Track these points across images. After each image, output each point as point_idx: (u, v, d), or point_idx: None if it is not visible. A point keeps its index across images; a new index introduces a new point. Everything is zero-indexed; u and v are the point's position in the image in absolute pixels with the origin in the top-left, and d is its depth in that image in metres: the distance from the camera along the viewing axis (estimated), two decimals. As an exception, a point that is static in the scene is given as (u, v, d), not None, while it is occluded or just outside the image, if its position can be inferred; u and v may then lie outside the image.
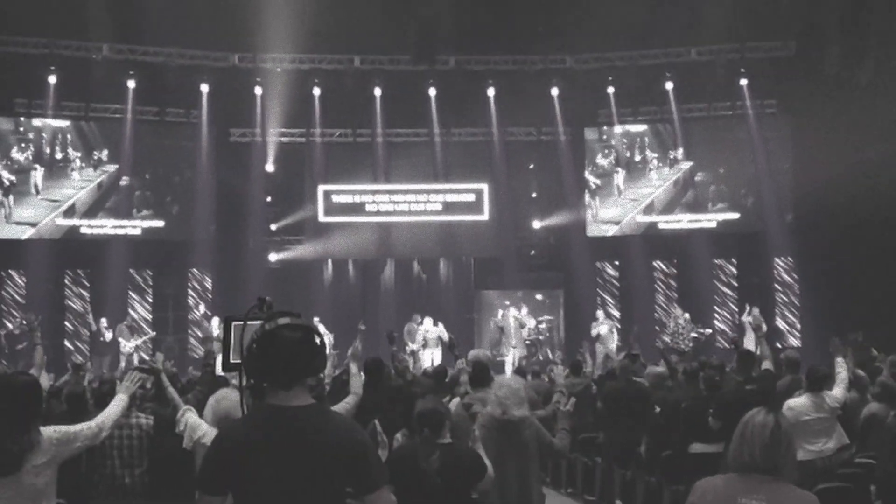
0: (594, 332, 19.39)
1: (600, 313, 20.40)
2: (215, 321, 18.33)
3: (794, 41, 20.63)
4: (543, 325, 21.95)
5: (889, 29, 18.15)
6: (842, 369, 8.26)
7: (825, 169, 19.74)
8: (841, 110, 19.31)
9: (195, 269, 21.80)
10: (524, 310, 21.05)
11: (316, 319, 18.42)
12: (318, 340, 3.38)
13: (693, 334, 19.23)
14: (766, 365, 8.77)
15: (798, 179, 20.86)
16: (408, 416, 5.80)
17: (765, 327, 18.15)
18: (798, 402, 7.82)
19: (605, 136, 22.11)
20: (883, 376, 8.94)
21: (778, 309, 21.35)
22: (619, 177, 21.90)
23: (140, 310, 21.25)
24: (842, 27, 19.35)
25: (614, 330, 19.78)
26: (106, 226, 20.75)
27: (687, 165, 21.70)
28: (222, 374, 7.42)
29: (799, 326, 21.35)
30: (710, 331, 20.04)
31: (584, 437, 11.01)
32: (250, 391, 3.45)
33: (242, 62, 21.26)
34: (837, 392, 8.01)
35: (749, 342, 17.88)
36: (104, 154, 20.69)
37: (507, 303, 22.03)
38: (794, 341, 20.90)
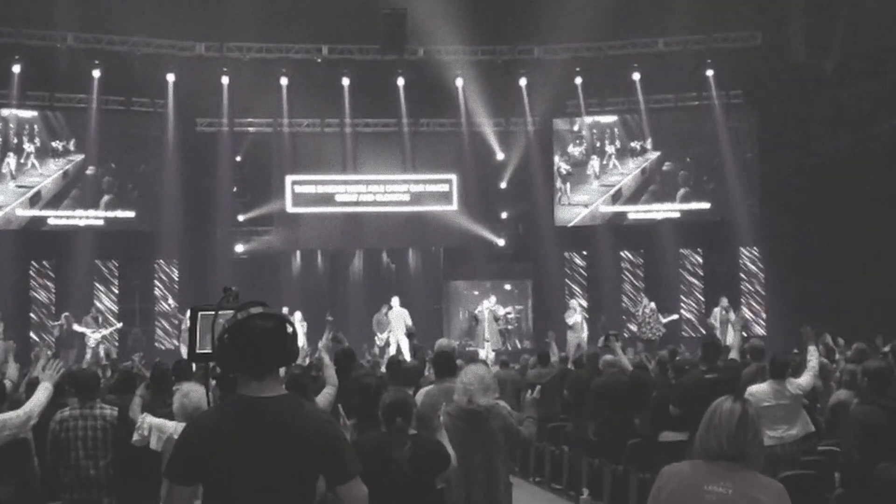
0: (570, 322, 19.46)
1: (574, 303, 20.49)
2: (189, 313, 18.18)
3: (760, 32, 20.78)
4: (512, 315, 22.00)
5: (854, 18, 18.33)
6: (812, 357, 8.34)
7: (791, 158, 19.97)
8: (807, 100, 19.51)
9: (162, 260, 21.63)
10: (493, 299, 21.10)
11: (285, 309, 18.35)
12: (290, 330, 3.36)
13: (663, 321, 19.34)
14: (733, 354, 8.85)
15: (764, 169, 21.05)
16: (362, 407, 5.77)
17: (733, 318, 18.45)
18: (759, 389, 7.88)
19: (576, 127, 22.13)
20: (848, 365, 9.05)
21: (743, 298, 21.53)
22: (592, 164, 21.94)
23: (106, 301, 21.04)
24: (807, 17, 19.52)
25: (585, 320, 19.85)
26: (72, 216, 20.53)
27: (654, 155, 21.80)
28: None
29: (764, 315, 21.56)
30: (676, 316, 20.18)
31: (552, 427, 11.07)
32: (218, 382, 3.43)
33: (209, 51, 21.07)
34: (804, 379, 8.08)
35: (722, 334, 18.11)
36: (70, 144, 20.45)
37: (476, 293, 22.07)
38: (760, 330, 21.12)
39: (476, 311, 20.30)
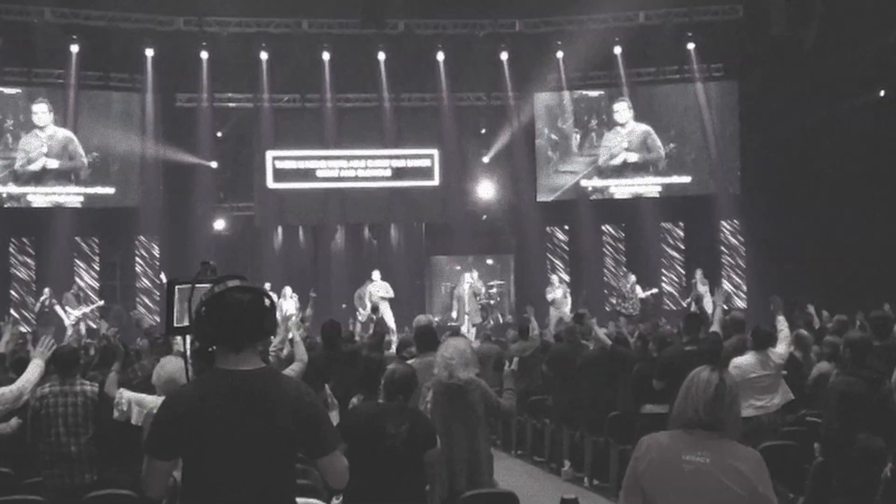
0: (549, 297, 19.52)
1: (555, 278, 20.52)
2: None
3: (741, 4, 20.77)
4: (494, 290, 22.04)
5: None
6: (783, 327, 8.45)
7: (772, 131, 20.03)
8: (788, 73, 19.54)
9: (142, 237, 21.54)
10: (475, 274, 21.14)
11: (267, 285, 18.33)
12: (267, 303, 3.35)
13: (641, 296, 19.44)
14: (715, 328, 8.90)
15: (745, 142, 21.10)
16: (363, 380, 5.80)
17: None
18: (744, 361, 7.99)
19: (563, 101, 22.03)
20: (829, 336, 9.14)
21: (724, 271, 21.64)
22: (574, 138, 21.91)
23: (87, 278, 20.94)
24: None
25: (568, 294, 19.91)
26: (51, 193, 20.38)
27: (636, 129, 21.77)
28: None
29: (745, 288, 21.68)
30: (656, 290, 20.27)
31: (533, 400, 11.13)
32: (196, 355, 3.42)
33: (188, 25, 20.84)
34: (780, 349, 8.21)
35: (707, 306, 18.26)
36: (48, 120, 20.23)
37: (458, 268, 22.08)
38: (740, 303, 21.25)
39: (456, 289, 20.35)
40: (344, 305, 20.20)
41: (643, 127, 21.73)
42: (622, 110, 21.72)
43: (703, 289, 19.15)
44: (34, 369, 5.81)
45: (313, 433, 3.33)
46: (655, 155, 21.72)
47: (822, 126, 18.77)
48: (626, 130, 21.76)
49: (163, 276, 20.14)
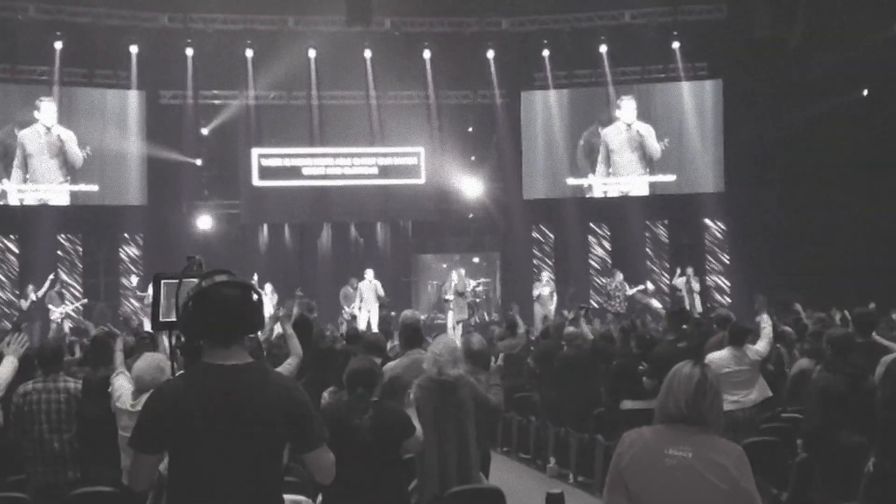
0: (535, 293, 19.57)
1: (544, 275, 20.50)
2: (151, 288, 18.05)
3: (726, 4, 20.87)
4: (480, 288, 22.06)
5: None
6: (766, 325, 8.49)
7: (756, 131, 20.13)
8: (772, 72, 19.64)
9: (126, 234, 21.46)
10: (462, 272, 21.15)
11: (255, 277, 18.29)
12: (255, 297, 3.35)
13: (629, 293, 19.52)
14: (762, 345, 8.74)
15: (729, 141, 21.17)
16: (338, 375, 5.82)
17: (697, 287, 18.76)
18: (719, 356, 8.02)
19: (549, 99, 22.03)
20: (809, 333, 9.19)
21: (708, 269, 21.73)
22: (562, 137, 21.91)
23: (70, 276, 20.84)
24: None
25: (554, 293, 19.94)
26: (35, 190, 20.27)
27: (621, 127, 21.81)
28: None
29: (728, 286, 21.76)
30: (642, 287, 20.36)
31: (519, 396, 11.14)
32: (181, 351, 3.42)
33: (173, 22, 20.81)
34: (760, 345, 8.25)
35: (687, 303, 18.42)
36: (35, 114, 20.13)
37: (445, 266, 22.08)
38: (724, 300, 21.33)
39: (443, 286, 20.38)
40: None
41: (644, 126, 21.71)
42: (629, 109, 21.66)
43: (688, 285, 19.31)
44: (7, 366, 5.79)
45: (300, 428, 3.33)
46: (651, 154, 21.68)
47: (806, 125, 18.88)
48: (625, 128, 21.73)
49: (133, 280, 20.08)
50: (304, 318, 8.64)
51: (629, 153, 21.71)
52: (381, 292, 18.77)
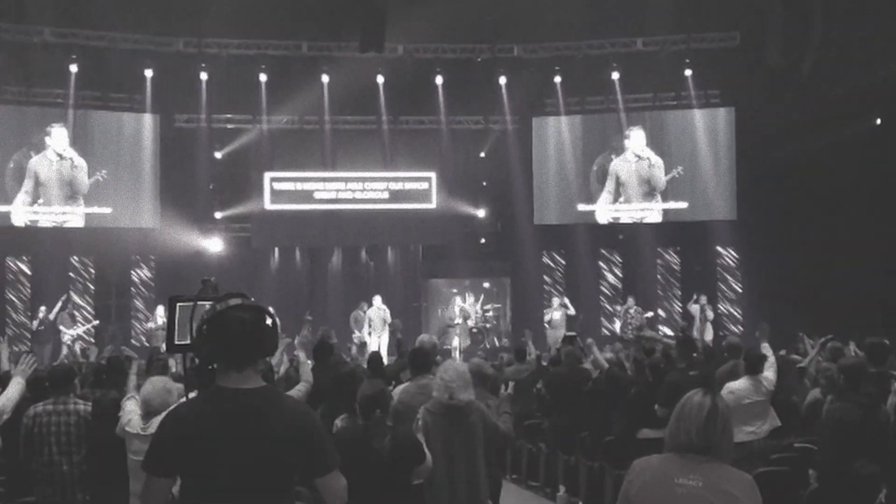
0: (546, 318, 19.54)
1: (556, 300, 20.42)
2: (160, 310, 18.10)
3: (738, 32, 20.89)
4: (490, 313, 22.00)
5: (830, 19, 18.47)
6: (769, 353, 8.45)
7: (768, 159, 20.10)
8: (784, 100, 19.63)
9: (138, 256, 21.53)
10: (470, 299, 21.17)
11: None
12: (269, 321, 3.35)
13: (639, 322, 19.45)
14: (770, 373, 8.70)
15: (741, 169, 21.15)
16: (351, 401, 5.80)
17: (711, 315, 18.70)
18: (739, 386, 7.97)
19: (560, 125, 22.07)
20: (823, 363, 9.12)
21: (720, 297, 21.65)
22: (573, 163, 21.93)
23: (82, 298, 20.90)
24: (784, 18, 19.64)
25: (564, 316, 19.89)
26: (48, 212, 20.37)
27: (632, 155, 21.82)
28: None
29: (740, 314, 21.67)
30: (651, 314, 20.29)
31: (529, 424, 11.09)
32: (195, 373, 3.42)
33: (187, 47, 20.94)
34: (770, 375, 8.21)
35: (699, 331, 18.35)
36: (47, 140, 20.26)
37: (455, 290, 22.05)
38: (735, 328, 21.24)
39: (447, 311, 20.40)
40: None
41: (654, 157, 21.72)
42: (638, 139, 21.68)
43: (701, 314, 19.28)
44: (14, 387, 5.80)
45: (312, 452, 3.33)
46: (656, 185, 21.67)
47: (819, 154, 18.83)
48: (623, 156, 21.78)
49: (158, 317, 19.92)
50: (325, 342, 8.66)
51: (637, 185, 21.70)
52: (389, 318, 18.78)
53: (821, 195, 18.85)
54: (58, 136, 20.26)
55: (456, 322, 20.20)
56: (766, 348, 8.58)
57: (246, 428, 3.20)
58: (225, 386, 3.27)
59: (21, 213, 20.10)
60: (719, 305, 21.22)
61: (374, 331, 18.82)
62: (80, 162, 20.38)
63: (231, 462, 3.18)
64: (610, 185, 21.77)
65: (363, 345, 18.78)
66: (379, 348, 17.69)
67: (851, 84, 17.93)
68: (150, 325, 18.81)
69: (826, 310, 17.04)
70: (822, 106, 18.54)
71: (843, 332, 11.68)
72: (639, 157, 21.67)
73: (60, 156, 20.24)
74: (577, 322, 20.29)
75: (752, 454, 7.50)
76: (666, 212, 21.71)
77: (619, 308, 20.29)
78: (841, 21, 18.16)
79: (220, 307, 3.30)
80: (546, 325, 19.44)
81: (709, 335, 19.07)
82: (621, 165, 21.75)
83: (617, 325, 20.15)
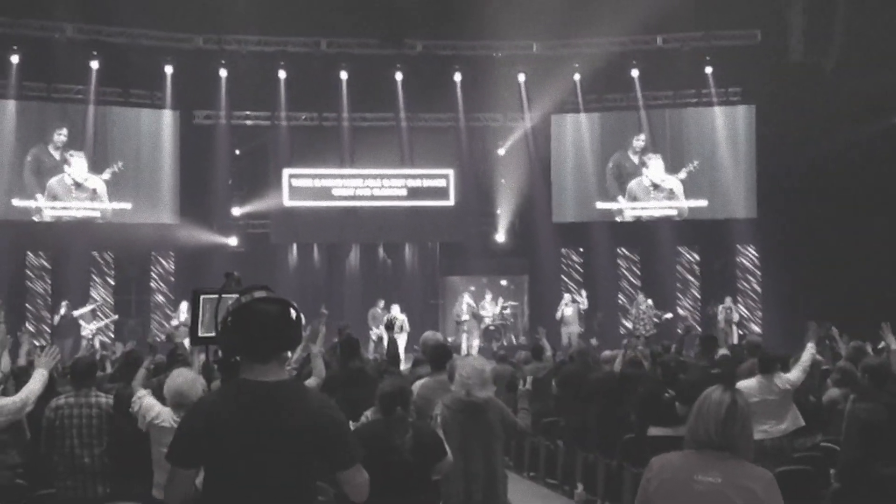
0: (558, 315, 19.47)
1: (567, 296, 20.39)
2: (183, 305, 18.16)
3: (759, 29, 20.79)
4: (508, 311, 22.00)
5: (852, 17, 18.35)
6: (807, 354, 8.35)
7: (789, 156, 19.97)
8: (805, 98, 19.50)
9: (157, 252, 21.64)
10: (488, 297, 21.14)
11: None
12: (293, 315, 3.36)
13: (655, 319, 19.41)
14: (723, 351, 8.84)
15: (762, 167, 21.05)
16: (372, 396, 5.80)
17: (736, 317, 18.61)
18: (746, 384, 7.91)
19: (579, 122, 22.04)
20: (842, 362, 9.08)
21: (740, 296, 21.54)
22: (592, 160, 21.90)
23: (102, 292, 21.03)
24: (806, 15, 19.52)
25: (577, 312, 19.84)
26: (69, 207, 20.51)
27: (652, 152, 21.76)
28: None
29: (760, 313, 21.56)
30: (670, 314, 20.22)
31: (546, 421, 11.07)
32: (219, 366, 3.44)
33: (207, 44, 21.06)
34: (793, 374, 8.09)
35: (724, 332, 18.24)
36: (63, 135, 20.38)
37: (473, 288, 22.02)
38: (755, 328, 21.13)
39: (454, 308, 20.38)
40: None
41: (674, 183, 21.67)
42: (657, 168, 21.67)
43: (726, 314, 19.22)
44: (38, 379, 5.84)
45: (335, 446, 3.34)
46: (670, 178, 21.63)
47: (840, 152, 18.71)
48: (642, 153, 21.74)
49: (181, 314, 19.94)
50: (350, 337, 8.70)
51: (643, 177, 21.76)
52: (408, 328, 18.68)
53: (842, 193, 18.73)
54: (77, 166, 20.42)
55: (464, 319, 20.14)
56: (808, 348, 8.47)
57: (269, 421, 3.21)
58: (249, 378, 3.28)
59: (42, 208, 20.23)
60: (739, 304, 21.10)
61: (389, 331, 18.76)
62: (100, 184, 20.52)
63: (254, 454, 3.19)
64: (621, 181, 21.79)
65: (380, 341, 18.79)
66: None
67: (873, 82, 17.80)
68: (174, 322, 18.84)
69: (848, 309, 16.92)
70: (843, 104, 18.41)
71: (866, 332, 11.61)
72: (656, 185, 21.60)
73: (79, 185, 20.35)
74: (595, 320, 20.24)
75: (765, 453, 7.43)
76: (686, 209, 21.64)
77: (633, 308, 20.20)
78: (863, 18, 18.03)
79: (246, 299, 3.32)
80: (559, 321, 19.38)
81: (733, 337, 18.90)
82: (638, 190, 21.71)
83: (630, 323, 20.08)
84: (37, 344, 16.05)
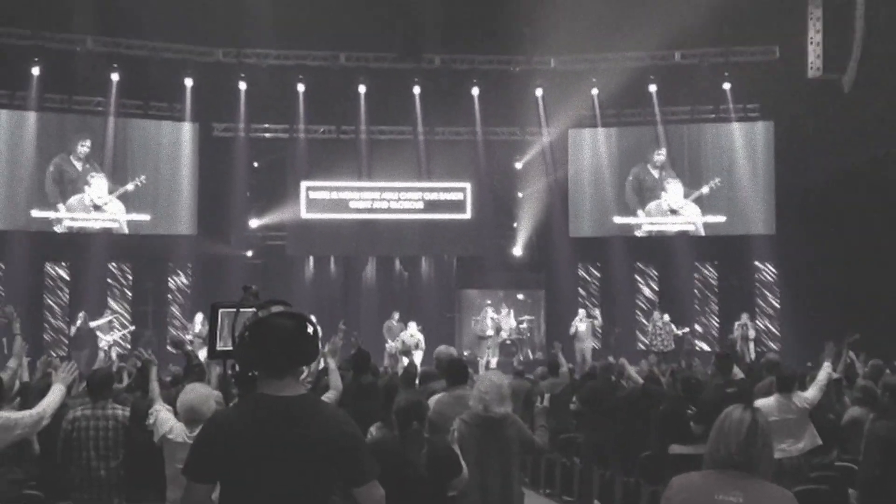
0: (572, 330, 19.41)
1: (582, 311, 20.38)
2: (199, 317, 18.21)
3: (778, 45, 20.73)
4: (524, 325, 21.92)
5: (871, 33, 18.26)
6: (823, 373, 8.28)
7: (808, 173, 19.88)
8: (824, 114, 19.43)
9: (175, 264, 21.72)
10: (504, 311, 21.09)
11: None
12: (310, 329, 3.36)
13: (677, 332, 19.33)
14: (814, 391, 8.59)
15: (780, 183, 20.95)
16: (384, 411, 5.79)
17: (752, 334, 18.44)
18: (764, 403, 7.84)
19: (597, 137, 22.04)
20: (860, 380, 9.00)
21: (758, 312, 21.42)
22: (609, 175, 21.89)
23: (119, 304, 21.10)
24: (825, 32, 19.45)
25: (591, 328, 19.75)
26: (87, 219, 20.62)
27: (669, 167, 21.72)
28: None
29: (779, 331, 21.42)
30: (687, 329, 20.11)
31: (564, 438, 11.01)
32: (235, 380, 3.43)
33: (227, 57, 21.19)
34: (810, 393, 8.02)
35: (741, 350, 18.10)
36: (86, 147, 20.52)
37: (489, 302, 22.00)
38: (773, 344, 20.99)
39: (478, 324, 20.31)
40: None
41: (676, 165, 21.62)
42: (675, 193, 21.67)
43: (743, 331, 19.06)
44: (56, 394, 5.83)
45: (352, 462, 3.33)
46: (688, 194, 21.62)
47: (859, 168, 18.61)
48: (660, 168, 21.73)
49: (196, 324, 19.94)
50: (361, 350, 8.68)
51: (661, 193, 21.78)
52: (423, 346, 18.63)
53: (861, 210, 18.62)
54: (97, 187, 20.55)
55: (488, 335, 20.08)
56: (825, 367, 8.40)
57: (285, 435, 3.21)
58: (265, 393, 3.28)
59: (62, 218, 20.36)
60: (757, 321, 20.97)
61: (407, 356, 18.73)
62: (119, 208, 20.68)
63: (270, 469, 3.18)
64: (640, 196, 21.78)
65: (396, 354, 18.75)
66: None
67: (893, 98, 17.71)
68: (189, 336, 18.86)
69: (867, 327, 16.78)
70: (862, 120, 18.33)
71: (887, 350, 11.52)
72: (674, 211, 21.58)
73: (98, 208, 20.50)
74: (613, 336, 20.14)
75: (782, 472, 7.36)
76: (703, 225, 21.56)
77: (649, 324, 20.10)
78: (882, 34, 17.95)
79: (263, 314, 3.32)
80: (572, 337, 19.31)
81: (750, 354, 18.76)
82: (657, 213, 21.75)
83: (647, 339, 19.99)
84: (54, 355, 16.11)
